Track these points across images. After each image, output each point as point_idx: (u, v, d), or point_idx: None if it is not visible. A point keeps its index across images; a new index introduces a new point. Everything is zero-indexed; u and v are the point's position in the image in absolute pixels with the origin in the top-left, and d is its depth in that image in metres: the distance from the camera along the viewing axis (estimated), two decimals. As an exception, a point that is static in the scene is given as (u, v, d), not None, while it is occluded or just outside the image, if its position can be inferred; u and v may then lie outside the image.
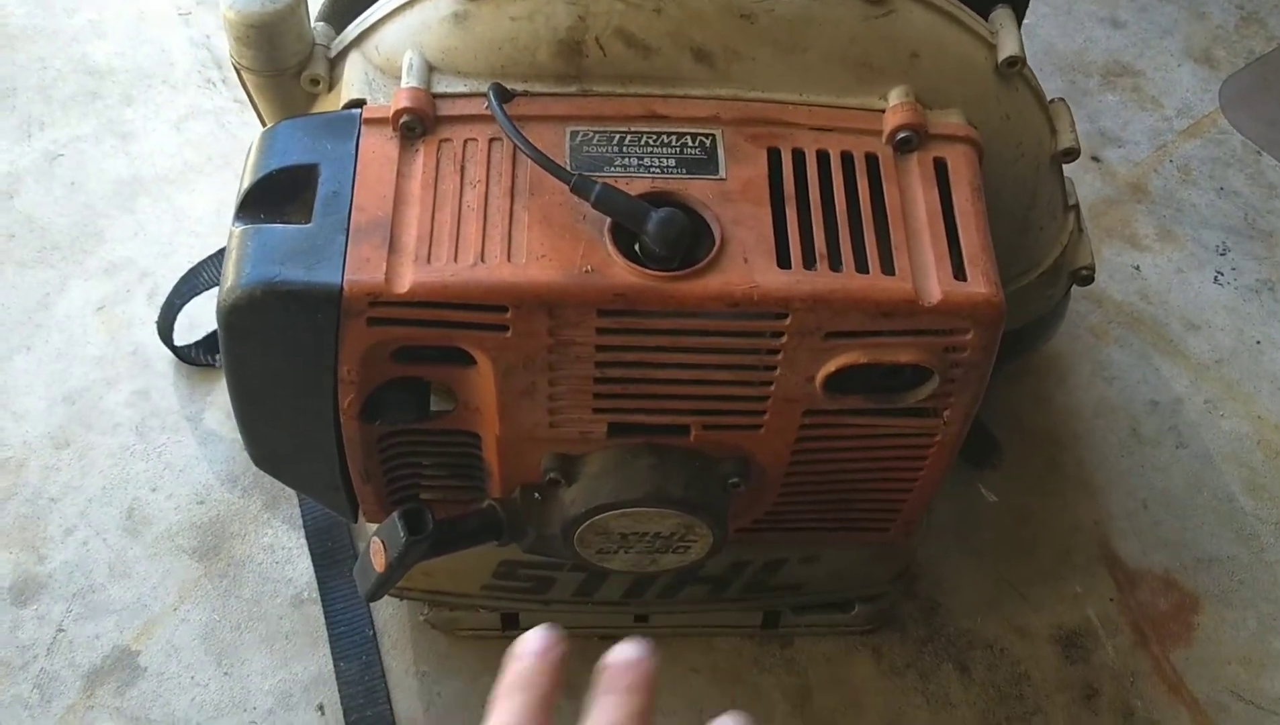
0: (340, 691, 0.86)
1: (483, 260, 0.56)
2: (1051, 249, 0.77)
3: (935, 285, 0.58)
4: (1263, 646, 0.91)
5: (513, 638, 0.92)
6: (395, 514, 0.64)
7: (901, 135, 0.61)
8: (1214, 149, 1.22)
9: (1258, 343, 1.07)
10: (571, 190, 0.57)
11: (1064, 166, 0.75)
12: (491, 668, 0.92)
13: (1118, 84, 1.27)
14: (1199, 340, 1.07)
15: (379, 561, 0.65)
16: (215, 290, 0.99)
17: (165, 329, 1.00)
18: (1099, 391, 1.05)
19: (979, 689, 0.88)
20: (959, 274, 0.58)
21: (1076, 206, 0.79)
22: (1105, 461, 1.00)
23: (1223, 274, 1.12)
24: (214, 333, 1.01)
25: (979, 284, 0.58)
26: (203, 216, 1.10)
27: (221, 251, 0.99)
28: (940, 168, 0.62)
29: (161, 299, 1.01)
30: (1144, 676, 0.89)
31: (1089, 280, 0.79)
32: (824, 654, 0.89)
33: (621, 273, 0.56)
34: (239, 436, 0.97)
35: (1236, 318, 1.09)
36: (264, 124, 0.68)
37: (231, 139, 1.16)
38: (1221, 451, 1.01)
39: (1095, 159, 1.21)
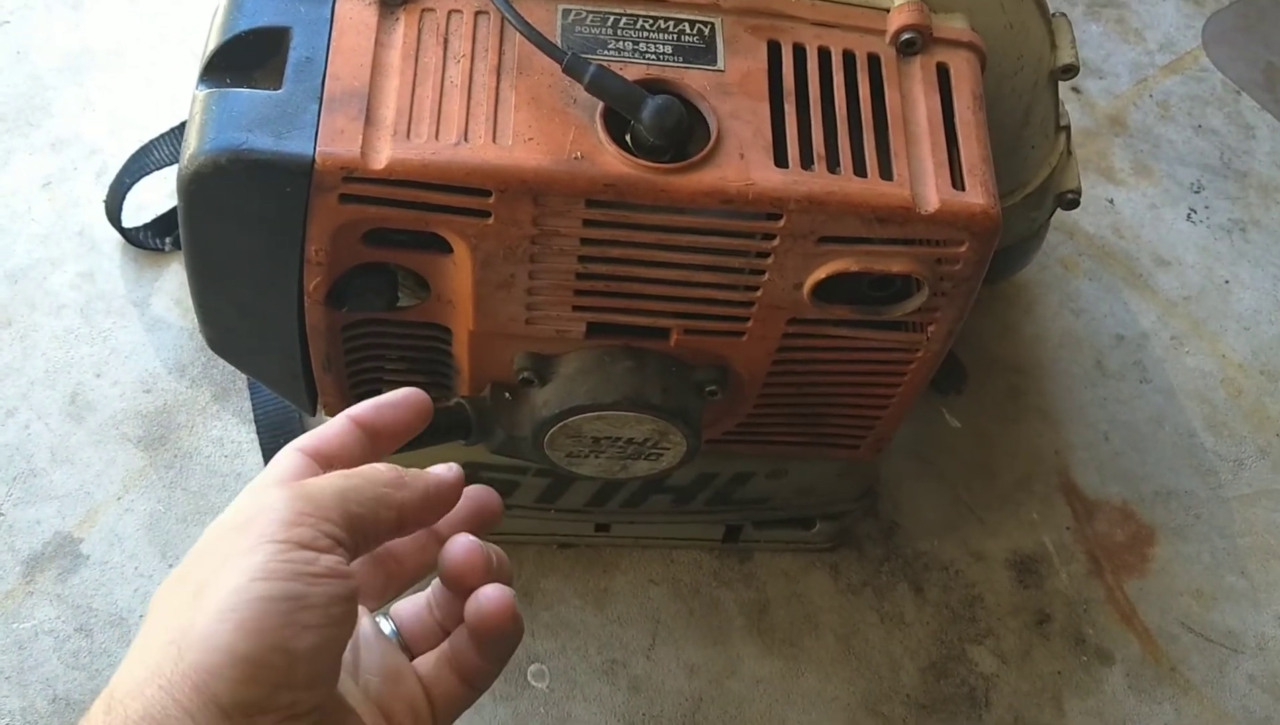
0: (290, 588, 0.84)
1: (466, 140, 0.53)
2: (1040, 169, 0.75)
3: (933, 193, 0.56)
4: (1215, 580, 0.92)
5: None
6: (360, 405, 0.61)
7: (905, 37, 0.59)
8: (1194, 86, 1.21)
9: (1226, 282, 1.07)
10: (564, 70, 0.54)
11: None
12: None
13: (1102, 14, 1.25)
14: (1168, 277, 1.07)
15: (340, 454, 0.62)
16: (167, 170, 0.95)
17: (113, 209, 0.95)
18: (1066, 322, 1.04)
19: (933, 609, 0.88)
20: (957, 183, 0.57)
21: (1068, 128, 0.77)
22: (1069, 392, 1.00)
23: (1195, 212, 1.12)
24: (164, 215, 0.97)
25: (977, 194, 0.56)
26: (155, 93, 1.05)
27: (174, 130, 0.95)
28: (942, 73, 0.60)
29: (110, 178, 0.96)
30: (1097, 604, 0.90)
31: (1074, 204, 0.78)
32: (782, 570, 0.89)
33: (613, 161, 0.54)
34: (188, 325, 0.94)
35: (1207, 256, 1.09)
36: (232, -15, 0.63)
37: (187, 15, 1.10)
38: (1185, 388, 1.01)
39: (1075, 89, 1.19)
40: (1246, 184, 1.14)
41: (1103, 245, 1.09)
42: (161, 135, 0.96)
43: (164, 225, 0.96)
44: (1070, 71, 0.70)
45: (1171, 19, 1.25)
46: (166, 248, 0.96)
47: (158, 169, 0.95)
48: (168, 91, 1.05)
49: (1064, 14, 0.72)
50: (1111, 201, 1.11)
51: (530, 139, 0.54)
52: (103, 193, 0.96)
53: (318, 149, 0.52)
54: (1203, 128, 1.17)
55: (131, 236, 0.96)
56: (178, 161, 0.93)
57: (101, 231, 0.97)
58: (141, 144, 0.96)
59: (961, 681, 0.86)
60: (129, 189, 0.95)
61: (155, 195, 0.98)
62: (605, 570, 0.87)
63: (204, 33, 0.58)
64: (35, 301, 0.94)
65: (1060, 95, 0.75)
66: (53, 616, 0.82)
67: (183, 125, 0.95)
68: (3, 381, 0.90)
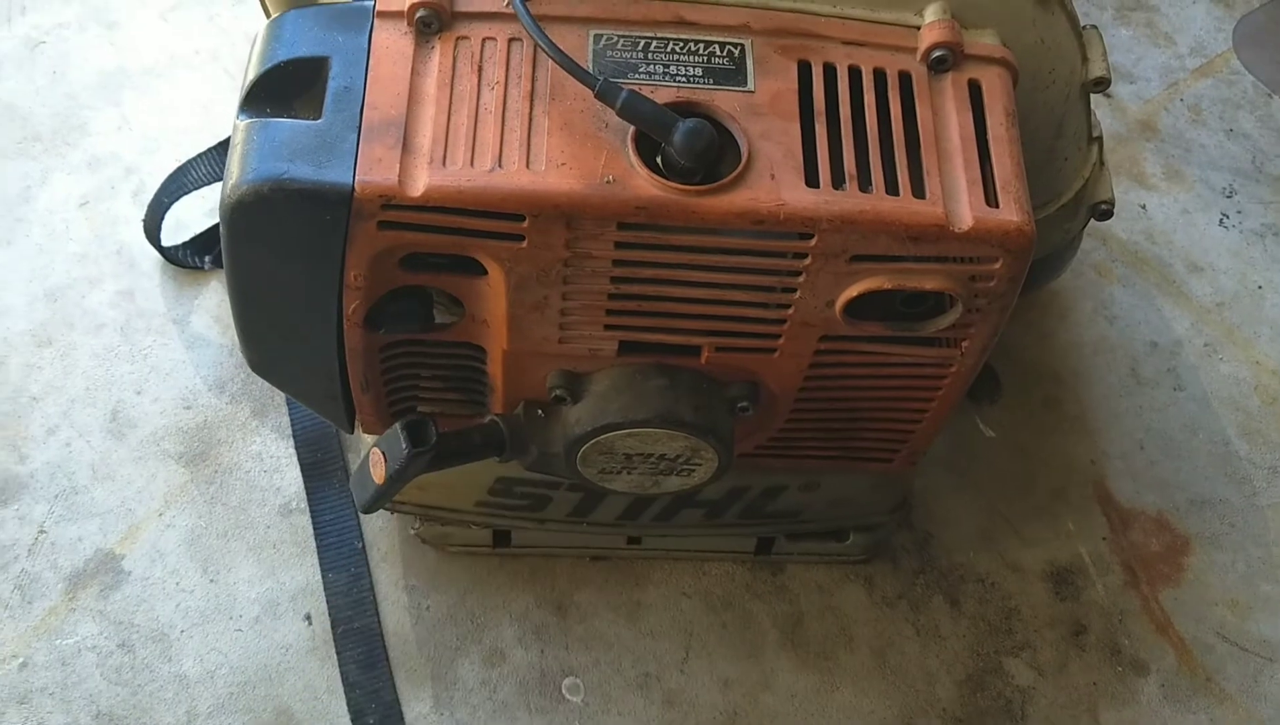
0: (328, 602, 0.85)
1: (500, 166, 0.54)
2: (1074, 181, 0.75)
3: (967, 211, 0.56)
4: (1250, 590, 0.91)
5: (503, 555, 0.91)
6: (398, 425, 0.62)
7: (936, 54, 0.59)
8: (1225, 89, 1.20)
9: (1259, 287, 1.07)
10: (596, 95, 0.54)
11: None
12: (481, 584, 0.91)
13: (1131, 18, 1.25)
14: (1201, 282, 1.07)
15: (378, 473, 0.63)
16: (204, 189, 0.97)
17: (152, 228, 0.96)
18: (1100, 330, 1.04)
19: (969, 622, 0.88)
20: (991, 200, 0.57)
21: (1100, 139, 0.77)
22: (1104, 401, 1.00)
23: (1228, 217, 1.11)
24: (203, 233, 0.98)
25: (1011, 211, 0.56)
26: (190, 112, 1.06)
27: (212, 150, 0.96)
28: (974, 90, 0.60)
29: (147, 196, 0.98)
30: (1132, 615, 0.89)
31: (1108, 215, 0.78)
32: (816, 582, 0.89)
33: (644, 185, 0.54)
34: (228, 342, 0.95)
35: (1240, 261, 1.08)
36: (268, 14, 0.64)
37: (221, 33, 1.12)
38: (1219, 395, 1.00)
39: (1106, 94, 1.18)
40: (1279, 188, 1.13)
41: (1136, 251, 1.08)
42: (199, 155, 0.97)
43: (203, 243, 0.98)
44: (1102, 84, 0.70)
45: (1201, 22, 1.24)
46: (206, 266, 0.98)
47: (196, 188, 0.97)
48: (203, 110, 1.06)
49: (1095, 26, 0.72)
50: (1144, 207, 1.11)
51: (563, 164, 0.54)
52: (140, 211, 0.98)
53: (357, 178, 0.53)
54: (1234, 131, 1.16)
55: (170, 255, 0.97)
56: (216, 180, 0.95)
57: (140, 250, 0.98)
58: (179, 163, 0.98)
59: (998, 694, 0.86)
60: (168, 208, 0.96)
61: (194, 213, 0.99)
62: (638, 583, 0.88)
63: (239, 51, 0.59)
64: (74, 320, 0.95)
65: (1091, 103, 0.75)
66: (95, 633, 0.83)
67: (221, 144, 0.97)
68: (44, 400, 0.92)
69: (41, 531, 0.87)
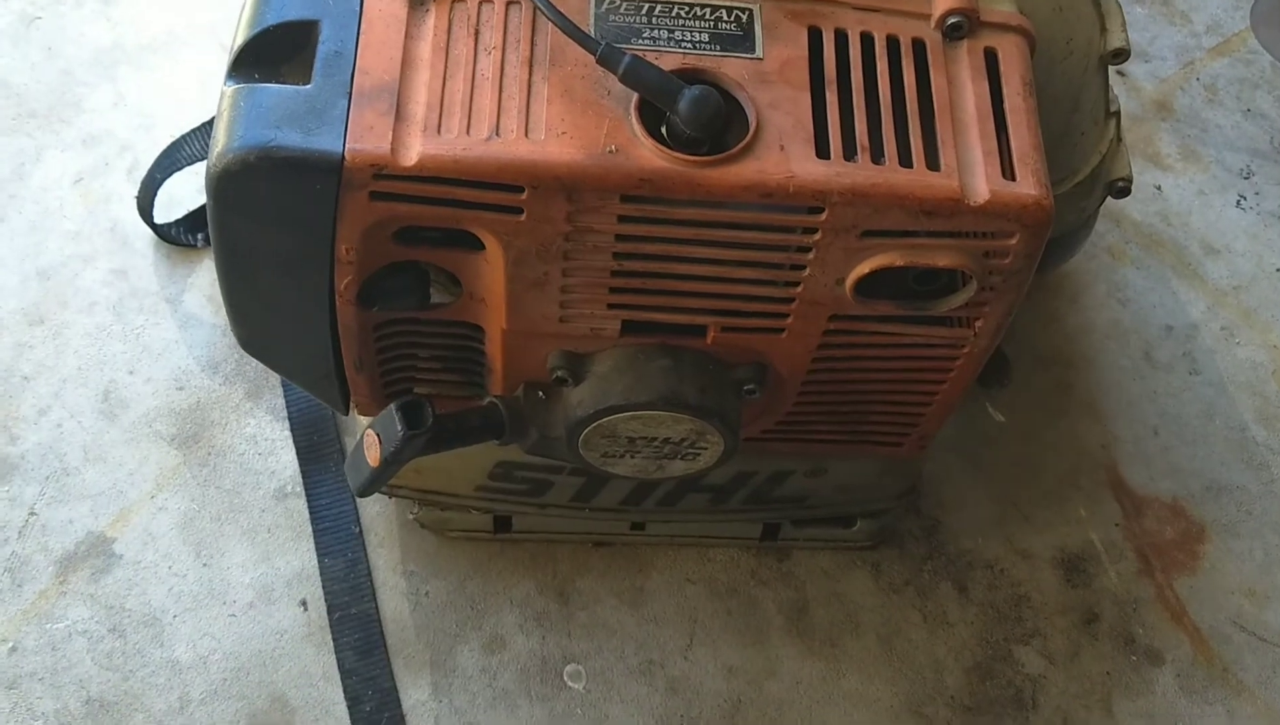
0: (324, 588, 0.83)
1: (498, 134, 0.52)
2: (1090, 157, 0.73)
3: (983, 184, 0.54)
4: (1268, 578, 0.89)
5: (504, 541, 0.90)
6: (393, 406, 0.61)
7: (951, 20, 0.57)
8: (1242, 69, 1.17)
9: (1278, 270, 1.04)
10: (598, 61, 0.52)
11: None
12: (482, 570, 0.89)
13: (1147, -4, 1.22)
14: (1218, 265, 1.04)
15: (373, 455, 0.61)
16: (199, 165, 0.95)
17: (145, 205, 0.95)
18: (1113, 313, 1.02)
19: (977, 609, 0.87)
20: (1007, 173, 0.55)
21: (1117, 114, 0.75)
22: (1116, 385, 0.98)
23: (1245, 198, 1.08)
24: (196, 211, 0.96)
25: (1029, 185, 0.54)
26: (187, 88, 1.04)
27: (206, 125, 0.94)
28: (991, 58, 0.57)
29: (142, 174, 0.96)
30: (1146, 604, 0.88)
31: (1125, 192, 0.76)
32: (822, 568, 0.87)
33: (648, 155, 0.52)
34: (221, 321, 0.93)
35: (1257, 244, 1.06)
36: (259, -22, 0.62)
37: (218, 8, 1.10)
38: (1235, 380, 0.98)
39: (1120, 73, 1.16)
40: (1298, 169, 1.10)
41: (1150, 233, 1.06)
42: (193, 130, 0.95)
43: (196, 221, 0.96)
44: (1121, 56, 0.68)
45: (1218, 0, 1.22)
46: (199, 244, 0.96)
47: (189, 164, 0.95)
48: (200, 86, 1.04)
49: (1114, -5, 0.70)
50: (1159, 188, 1.09)
51: (563, 133, 0.52)
52: (134, 189, 0.96)
53: (347, 146, 0.51)
54: (1252, 111, 1.14)
55: (164, 232, 0.95)
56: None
57: (133, 228, 0.96)
58: (173, 139, 0.96)
59: (1008, 683, 0.84)
60: (160, 185, 0.95)
61: (187, 190, 0.97)
62: (641, 569, 0.86)
63: (234, 26, 0.57)
64: (67, 299, 0.93)
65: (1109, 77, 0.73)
66: (86, 617, 0.81)
67: (214, 120, 0.95)
68: (35, 380, 0.90)
69: (32, 513, 0.85)
